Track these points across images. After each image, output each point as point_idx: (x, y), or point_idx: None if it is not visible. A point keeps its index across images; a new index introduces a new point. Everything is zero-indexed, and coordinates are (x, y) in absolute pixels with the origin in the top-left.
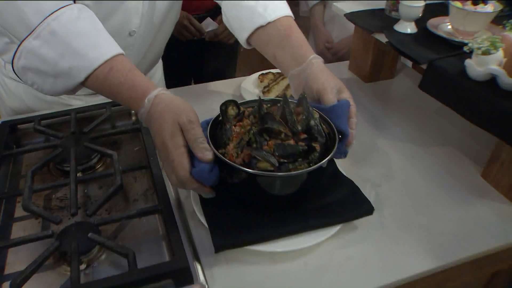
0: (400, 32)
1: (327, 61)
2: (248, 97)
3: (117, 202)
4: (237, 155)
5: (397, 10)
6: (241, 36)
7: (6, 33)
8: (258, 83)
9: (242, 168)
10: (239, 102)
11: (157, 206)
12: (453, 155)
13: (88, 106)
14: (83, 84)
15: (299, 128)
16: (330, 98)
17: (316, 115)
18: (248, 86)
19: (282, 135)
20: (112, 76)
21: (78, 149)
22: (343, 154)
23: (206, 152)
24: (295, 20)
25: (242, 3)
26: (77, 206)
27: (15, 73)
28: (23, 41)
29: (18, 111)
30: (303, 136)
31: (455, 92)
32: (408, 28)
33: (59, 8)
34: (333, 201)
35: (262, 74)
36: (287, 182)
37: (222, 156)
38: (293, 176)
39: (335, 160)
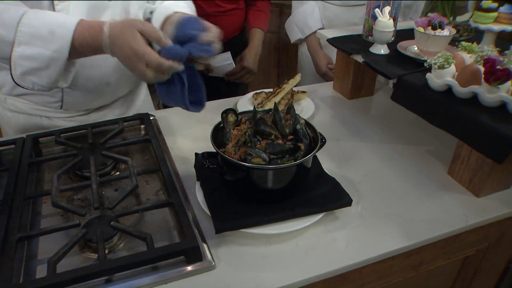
0: (375, 54)
1: (331, 80)
2: None
3: (132, 202)
4: (234, 152)
5: (372, 35)
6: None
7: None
8: (252, 100)
9: (239, 162)
10: (237, 112)
11: (169, 200)
12: (423, 157)
13: (103, 121)
14: (68, 61)
15: (287, 131)
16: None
17: (302, 121)
18: (244, 104)
19: (273, 136)
20: (77, 36)
21: (96, 157)
22: (208, 52)
23: (167, 39)
24: (287, 46)
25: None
26: (99, 201)
27: (16, 83)
28: (11, 54)
29: None
30: (291, 137)
31: (420, 101)
32: (381, 50)
33: (21, 17)
34: (317, 195)
35: (256, 93)
36: (276, 174)
37: (222, 154)
38: (281, 169)
39: (321, 163)
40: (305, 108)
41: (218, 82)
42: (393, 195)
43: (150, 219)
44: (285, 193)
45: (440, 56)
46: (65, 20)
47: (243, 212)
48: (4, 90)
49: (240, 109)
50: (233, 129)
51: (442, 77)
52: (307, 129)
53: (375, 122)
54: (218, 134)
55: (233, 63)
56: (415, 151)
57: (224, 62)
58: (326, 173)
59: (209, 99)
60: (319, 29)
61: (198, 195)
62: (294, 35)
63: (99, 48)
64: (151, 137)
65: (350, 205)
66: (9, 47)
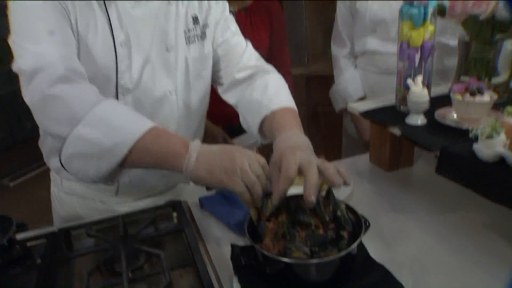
0: (412, 125)
1: None
2: None
3: None
4: (273, 246)
5: (406, 105)
6: (254, 128)
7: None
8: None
9: (280, 258)
10: None
11: None
12: (480, 232)
13: (134, 212)
14: (124, 161)
15: (327, 218)
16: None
17: (343, 206)
18: None
19: (312, 226)
20: (145, 141)
21: (127, 251)
22: None
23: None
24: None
25: (251, 98)
26: None
27: (61, 163)
28: (72, 131)
29: (69, 219)
30: (332, 225)
31: (470, 173)
32: (418, 120)
33: (100, 101)
34: (366, 285)
35: None
36: (320, 268)
37: (260, 249)
38: (324, 262)
39: (367, 247)
40: (343, 187)
41: None
42: (452, 280)
43: None
44: (330, 284)
45: (487, 125)
46: (142, 120)
47: None
48: (64, 173)
49: None
50: (269, 221)
51: (492, 147)
52: (349, 213)
53: (419, 194)
54: (254, 227)
55: (258, 141)
56: (469, 225)
57: (248, 141)
58: (374, 259)
59: None
60: (361, 97)
61: None
62: (338, 104)
63: (169, 163)
64: (184, 226)
65: None
66: (71, 125)
